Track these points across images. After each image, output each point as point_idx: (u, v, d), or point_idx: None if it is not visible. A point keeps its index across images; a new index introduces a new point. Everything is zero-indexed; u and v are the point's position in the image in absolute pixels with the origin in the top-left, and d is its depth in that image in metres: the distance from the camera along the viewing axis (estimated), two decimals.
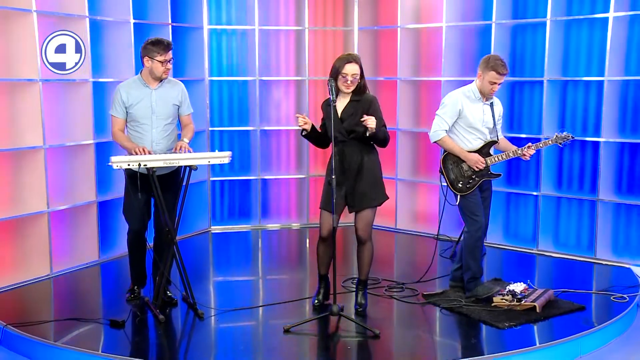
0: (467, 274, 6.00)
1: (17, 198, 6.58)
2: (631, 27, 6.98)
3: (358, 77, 5.51)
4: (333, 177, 5.37)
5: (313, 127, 5.65)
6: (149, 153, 5.59)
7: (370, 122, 5.35)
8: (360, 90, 5.58)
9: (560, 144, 6.00)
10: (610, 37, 6.93)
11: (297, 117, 5.53)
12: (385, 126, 5.59)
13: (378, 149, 5.71)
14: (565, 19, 7.31)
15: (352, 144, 5.58)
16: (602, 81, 7.04)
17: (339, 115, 5.56)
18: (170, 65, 5.76)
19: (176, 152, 5.66)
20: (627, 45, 7.02)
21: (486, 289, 5.95)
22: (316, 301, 5.89)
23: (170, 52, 5.72)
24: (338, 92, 5.55)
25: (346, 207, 5.70)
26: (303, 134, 5.63)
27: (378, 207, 5.73)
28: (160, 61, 5.67)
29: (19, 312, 5.91)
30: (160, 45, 5.66)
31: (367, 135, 5.44)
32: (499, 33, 7.62)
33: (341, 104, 5.60)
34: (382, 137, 5.55)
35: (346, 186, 5.61)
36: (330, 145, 5.60)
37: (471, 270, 5.98)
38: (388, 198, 5.79)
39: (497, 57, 5.90)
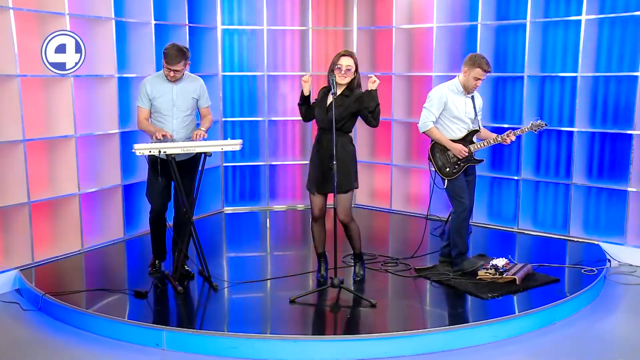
0: (455, 250, 6.06)
1: (52, 182, 6.64)
2: (600, 29, 7.01)
3: (352, 69, 5.52)
4: (334, 162, 5.40)
5: (308, 97, 5.68)
6: (171, 136, 5.65)
7: (374, 80, 5.48)
8: (353, 86, 5.59)
9: (535, 131, 6.03)
10: (582, 38, 6.97)
11: (303, 77, 5.61)
12: (379, 105, 5.55)
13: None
14: (543, 21, 7.35)
15: (330, 134, 5.46)
16: (576, 77, 7.08)
17: (326, 105, 5.57)
18: (175, 74, 5.71)
19: (193, 140, 5.72)
20: (598, 45, 7.05)
21: (471, 263, 6.01)
22: (320, 276, 5.95)
23: (178, 64, 5.64)
24: (336, 85, 5.60)
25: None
26: (300, 102, 5.70)
27: (361, 191, 5.82)
28: (165, 67, 5.70)
29: (55, 282, 5.96)
30: (169, 56, 5.62)
31: (369, 92, 5.48)
32: (484, 33, 7.63)
33: (331, 98, 5.57)
34: (377, 104, 5.51)
35: (319, 171, 5.67)
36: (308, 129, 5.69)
37: (458, 247, 6.03)
38: (356, 187, 5.77)
39: (482, 56, 5.95)
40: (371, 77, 5.53)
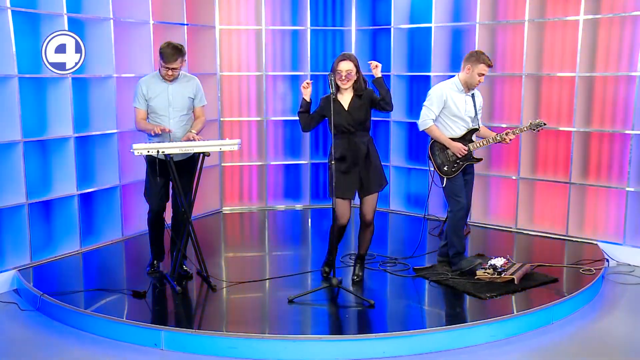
0: (452, 249, 6.06)
1: (50, 182, 6.65)
2: (598, 29, 7.02)
3: (353, 73, 5.53)
4: (332, 162, 5.40)
5: (310, 103, 5.68)
6: (169, 130, 5.64)
7: (376, 64, 5.59)
8: (360, 85, 5.60)
9: (534, 130, 6.06)
10: (580, 37, 6.98)
11: (303, 84, 5.63)
12: (389, 91, 5.63)
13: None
14: (541, 21, 7.36)
15: (359, 134, 5.60)
16: (575, 76, 7.09)
17: (346, 108, 5.57)
18: (173, 73, 5.72)
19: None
20: (596, 45, 7.05)
21: (469, 262, 6.02)
22: (323, 271, 5.99)
23: (176, 62, 5.65)
24: (338, 87, 5.61)
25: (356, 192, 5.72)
26: (301, 110, 5.65)
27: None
28: (163, 66, 5.70)
29: (53, 283, 5.97)
30: (165, 54, 5.62)
31: (375, 80, 5.58)
32: (482, 33, 7.65)
33: (346, 99, 5.61)
34: (387, 90, 5.58)
35: (356, 174, 5.62)
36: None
37: (455, 246, 6.04)
38: (387, 183, 5.86)
39: (482, 52, 5.98)
40: (371, 62, 5.61)
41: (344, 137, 5.58)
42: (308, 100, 5.63)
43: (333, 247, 5.70)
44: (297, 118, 5.77)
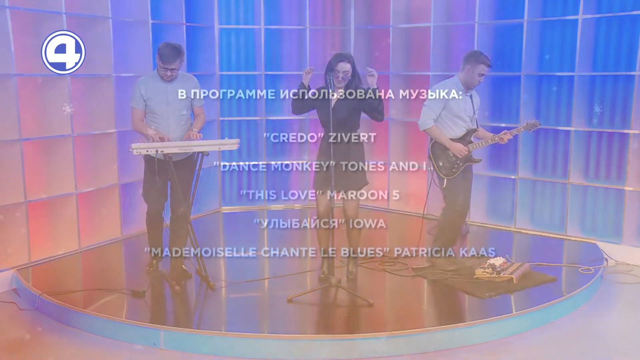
0: (436, 245, 6.12)
1: (49, 181, 6.62)
2: (597, 28, 7.02)
3: (349, 74, 5.56)
4: (332, 162, 5.43)
5: (306, 90, 5.71)
6: (168, 139, 5.63)
7: (373, 73, 5.57)
8: (352, 86, 5.61)
9: (530, 130, 6.08)
10: (579, 37, 6.98)
11: (306, 69, 5.71)
12: (382, 101, 5.62)
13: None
14: (541, 20, 7.36)
15: (335, 132, 5.57)
16: (573, 76, 7.10)
17: (332, 106, 5.58)
18: (172, 73, 5.71)
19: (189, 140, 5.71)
20: (594, 44, 7.07)
21: (449, 262, 6.05)
22: (322, 273, 5.96)
23: (175, 62, 5.65)
24: (334, 85, 5.62)
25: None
26: (300, 90, 5.70)
27: (369, 190, 5.85)
28: (161, 67, 5.69)
29: (52, 282, 5.94)
30: (164, 55, 5.61)
31: (370, 88, 5.56)
32: (481, 32, 7.65)
33: (335, 97, 5.63)
34: (380, 100, 5.59)
35: (333, 170, 5.63)
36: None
37: (439, 242, 6.09)
38: (367, 184, 5.83)
39: (481, 52, 5.99)
40: (369, 69, 5.59)
41: (326, 131, 5.66)
42: (307, 85, 5.67)
43: (321, 246, 5.89)
44: (297, 118, 5.78)
